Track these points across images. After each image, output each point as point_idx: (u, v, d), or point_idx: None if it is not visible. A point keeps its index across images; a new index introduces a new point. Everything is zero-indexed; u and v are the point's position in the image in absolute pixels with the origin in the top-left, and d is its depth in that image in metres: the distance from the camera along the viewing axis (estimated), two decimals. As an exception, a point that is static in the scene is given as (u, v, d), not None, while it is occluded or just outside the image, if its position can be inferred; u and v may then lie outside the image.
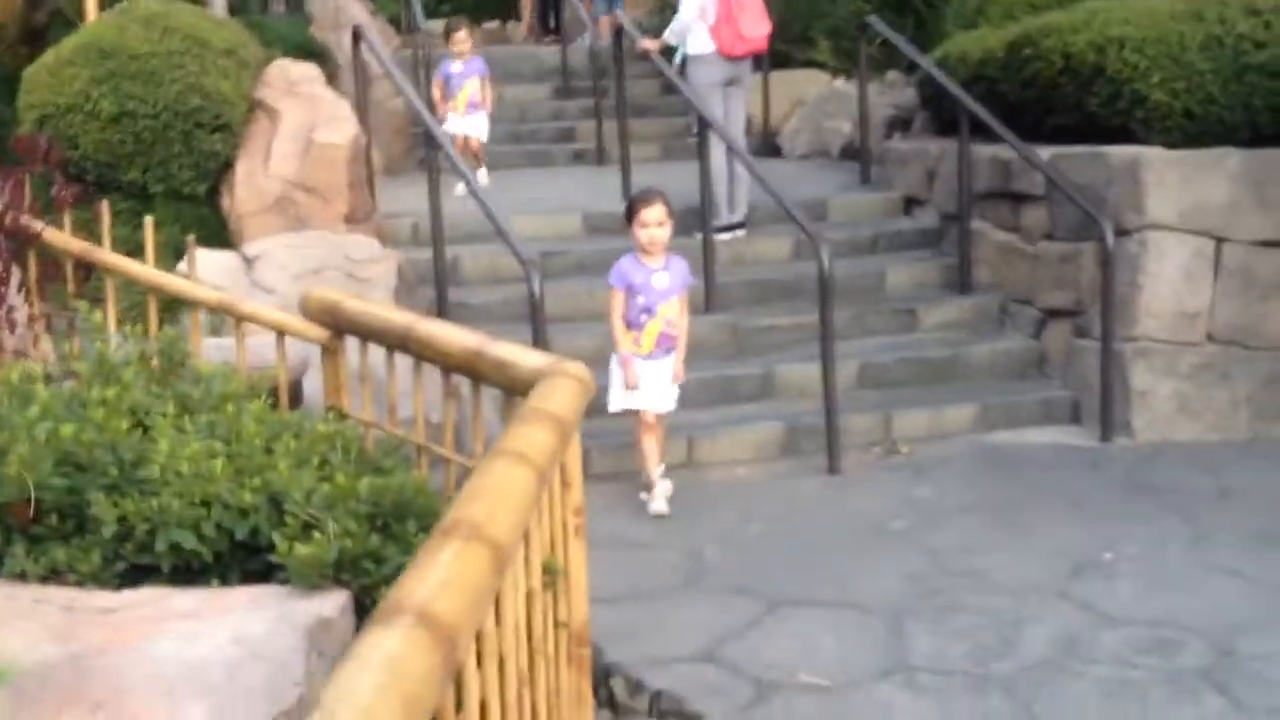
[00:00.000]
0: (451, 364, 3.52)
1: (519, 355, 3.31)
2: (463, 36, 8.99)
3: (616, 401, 5.53)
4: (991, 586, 4.50)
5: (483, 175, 8.66)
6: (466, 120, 8.93)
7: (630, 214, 5.45)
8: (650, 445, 5.60)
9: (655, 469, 5.60)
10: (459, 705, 2.10)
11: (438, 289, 6.74)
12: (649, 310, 5.40)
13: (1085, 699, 3.66)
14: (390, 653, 1.54)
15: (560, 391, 2.91)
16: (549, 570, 2.85)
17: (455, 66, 8.94)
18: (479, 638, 2.21)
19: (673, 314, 5.43)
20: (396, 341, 3.78)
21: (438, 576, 1.78)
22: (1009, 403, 6.53)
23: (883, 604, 4.40)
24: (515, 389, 3.23)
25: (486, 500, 2.11)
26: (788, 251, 7.78)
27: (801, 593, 4.53)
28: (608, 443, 6.05)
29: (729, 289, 7.26)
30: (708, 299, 7.09)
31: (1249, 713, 3.57)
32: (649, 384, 5.49)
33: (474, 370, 3.43)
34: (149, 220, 4.59)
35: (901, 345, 6.98)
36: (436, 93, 9.02)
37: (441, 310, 6.69)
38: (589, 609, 3.68)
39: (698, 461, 6.09)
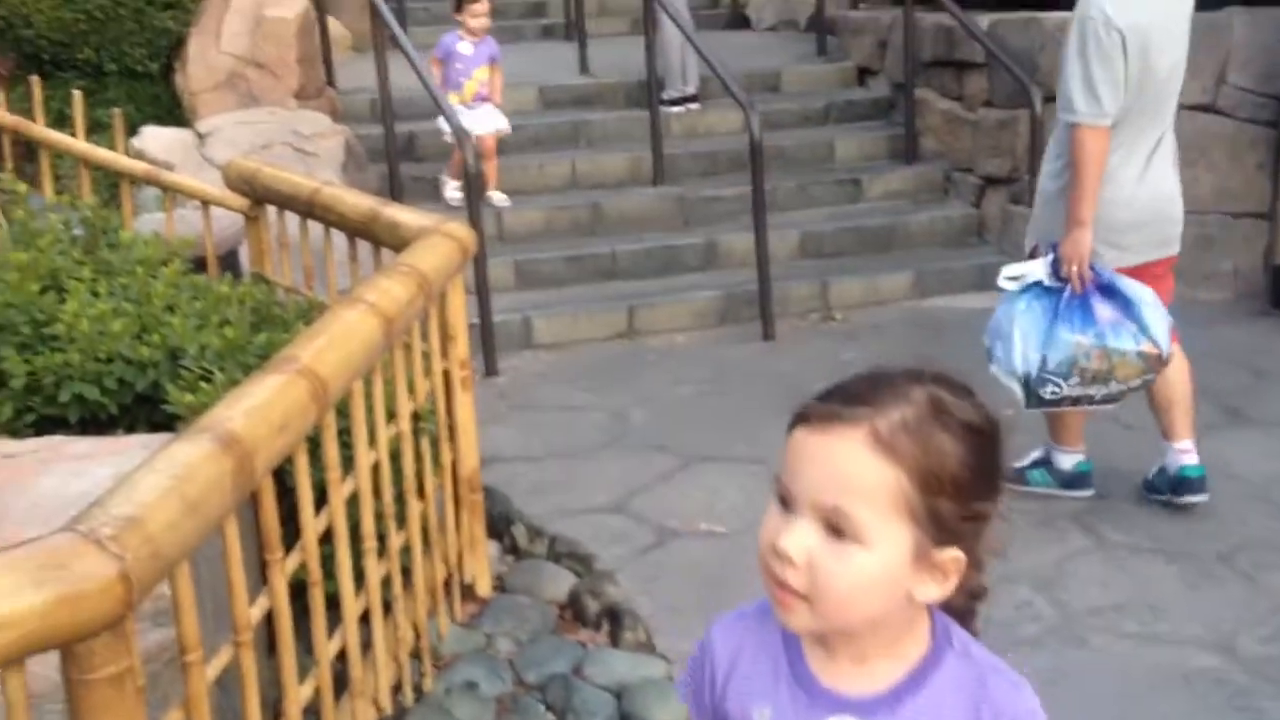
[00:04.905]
0: (352, 227, 3.68)
1: (407, 217, 3.47)
2: (484, 9, 6.93)
3: None
4: (895, 440, 4.70)
5: (501, 198, 6.98)
6: (477, 115, 6.85)
7: None
8: None
9: None
10: (296, 533, 2.32)
11: (389, 164, 6.88)
12: None
13: (957, 539, 3.88)
14: (179, 461, 1.73)
15: (430, 249, 3.08)
16: (421, 417, 3.05)
17: (464, 47, 6.96)
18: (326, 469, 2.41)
19: None
20: (304, 207, 3.94)
21: (246, 404, 1.96)
22: (945, 270, 6.68)
23: (789, 457, 4.61)
24: (404, 249, 3.40)
25: (319, 342, 2.29)
26: (740, 123, 7.84)
27: (715, 449, 4.74)
28: (550, 311, 6.22)
29: (678, 161, 7.38)
30: (656, 171, 7.22)
31: (1108, 549, 3.79)
32: None
33: (371, 233, 3.60)
34: (78, 94, 4.71)
35: (844, 215, 7.12)
36: (435, 71, 6.83)
37: (394, 185, 6.84)
38: (492, 461, 3.90)
39: (637, 330, 6.27)
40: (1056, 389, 3.84)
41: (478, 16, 6.90)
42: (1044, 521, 3.98)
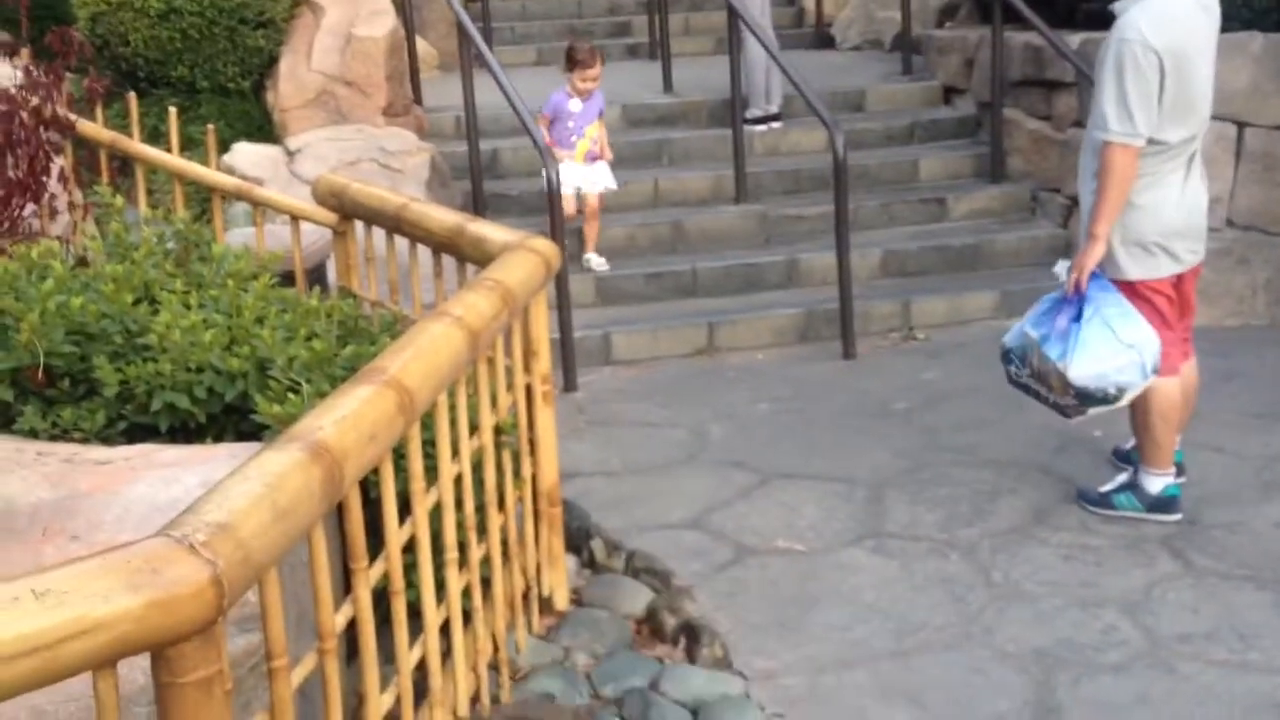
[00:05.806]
0: (437, 242, 3.73)
1: (493, 232, 3.51)
2: (595, 74, 6.72)
3: None
4: (978, 461, 4.65)
5: (599, 261, 6.81)
6: (589, 173, 6.77)
7: None
8: None
9: None
10: (381, 542, 2.35)
11: (473, 180, 6.94)
12: None
13: (1041, 561, 3.83)
14: (270, 469, 1.76)
15: (515, 264, 3.10)
16: (503, 430, 3.07)
17: (574, 105, 6.74)
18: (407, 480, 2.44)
19: None
20: (391, 223, 3.99)
21: (336, 414, 1.99)
22: (1031, 289, 6.54)
23: (869, 477, 4.58)
24: (489, 264, 3.44)
25: (406, 354, 2.32)
26: (823, 142, 7.83)
27: (794, 467, 4.72)
28: (631, 328, 6.24)
29: (761, 179, 7.37)
30: (738, 190, 7.22)
31: (1197, 574, 3.71)
32: None
33: (456, 248, 3.64)
34: (172, 110, 4.82)
35: (928, 234, 7.06)
36: (543, 127, 6.59)
37: (477, 201, 6.91)
38: (571, 476, 3.92)
39: (717, 347, 6.26)
40: (1017, 371, 4.13)
41: (587, 80, 6.71)
42: (1132, 545, 3.91)
